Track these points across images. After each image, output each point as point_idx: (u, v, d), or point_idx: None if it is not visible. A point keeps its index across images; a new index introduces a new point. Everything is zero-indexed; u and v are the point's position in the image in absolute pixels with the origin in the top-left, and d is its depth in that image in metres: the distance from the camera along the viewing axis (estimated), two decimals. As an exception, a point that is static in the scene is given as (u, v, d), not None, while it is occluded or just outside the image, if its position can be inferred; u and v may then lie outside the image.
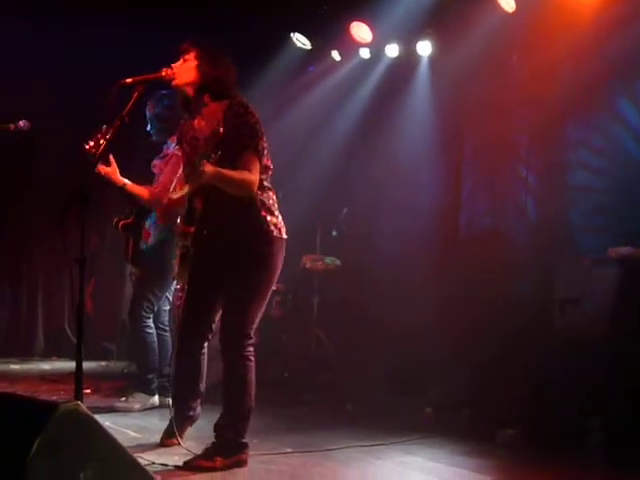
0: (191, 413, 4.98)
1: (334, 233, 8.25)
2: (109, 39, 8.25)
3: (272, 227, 4.65)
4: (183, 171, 5.04)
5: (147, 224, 6.15)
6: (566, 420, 5.57)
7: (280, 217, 4.75)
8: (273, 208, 4.71)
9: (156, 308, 6.27)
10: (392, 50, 8.61)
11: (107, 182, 5.90)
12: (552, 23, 6.88)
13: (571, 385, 5.64)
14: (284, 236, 4.73)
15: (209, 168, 4.29)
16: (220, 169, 4.36)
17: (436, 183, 8.22)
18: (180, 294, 4.99)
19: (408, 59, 8.59)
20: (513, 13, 7.25)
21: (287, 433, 5.63)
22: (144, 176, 6.23)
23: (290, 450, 5.03)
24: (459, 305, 7.39)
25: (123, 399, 6.18)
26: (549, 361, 5.97)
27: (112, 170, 5.86)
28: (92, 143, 5.56)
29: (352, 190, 8.71)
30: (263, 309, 4.72)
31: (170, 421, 4.91)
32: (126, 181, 5.95)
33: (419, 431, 5.78)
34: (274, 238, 4.66)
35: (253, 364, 4.63)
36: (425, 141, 8.25)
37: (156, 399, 6.27)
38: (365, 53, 8.84)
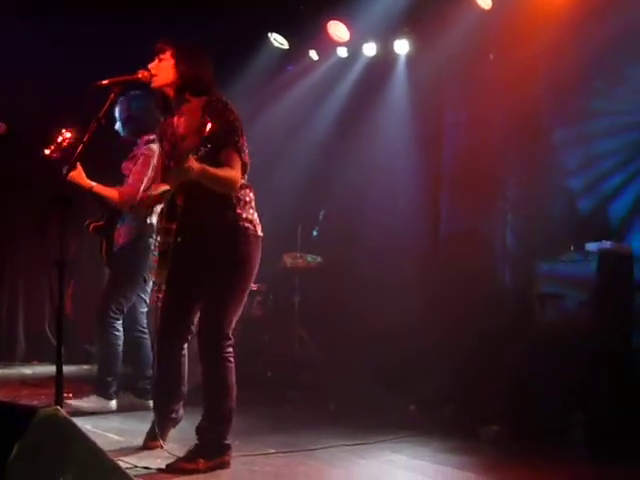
0: (173, 415, 4.96)
1: (315, 233, 8.25)
2: (84, 39, 8.20)
3: (247, 224, 4.62)
4: (161, 169, 5.00)
5: (117, 225, 6.12)
6: (549, 416, 5.59)
7: (256, 215, 4.72)
8: (249, 205, 4.68)
9: (125, 310, 6.19)
10: (370, 49, 8.62)
11: (74, 185, 5.85)
12: (529, 20, 6.90)
13: (553, 381, 5.66)
14: (260, 233, 4.70)
15: (195, 165, 4.25)
16: (205, 166, 4.34)
17: (415, 181, 8.22)
18: (158, 295, 4.95)
19: (386, 58, 8.60)
20: (490, 10, 7.28)
21: (270, 433, 5.62)
22: (115, 178, 6.20)
23: (273, 451, 5.01)
24: (441, 302, 7.41)
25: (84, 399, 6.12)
26: (531, 357, 5.98)
27: (77, 173, 5.78)
28: (52, 147, 5.58)
29: (332, 188, 8.70)
30: (241, 308, 4.69)
31: (152, 424, 4.89)
32: (93, 184, 5.89)
33: (403, 429, 5.80)
34: (249, 235, 4.63)
35: (233, 365, 4.60)
36: (404, 139, 8.26)
37: (113, 403, 6.18)
38: (343, 52, 8.85)
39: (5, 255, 9.35)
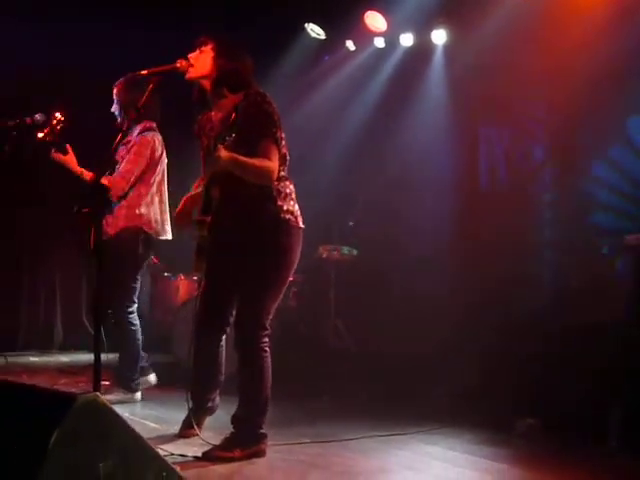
0: (209, 404, 4.99)
1: (351, 223, 8.24)
2: (124, 36, 8.23)
3: (288, 216, 4.62)
4: (202, 165, 4.98)
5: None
6: (584, 408, 5.56)
7: (297, 206, 4.72)
8: (289, 197, 4.67)
9: (135, 298, 6.21)
10: (407, 39, 8.60)
11: (63, 170, 5.86)
12: (567, 10, 6.85)
13: (588, 372, 5.63)
14: (301, 225, 4.71)
15: (224, 153, 4.25)
16: (236, 155, 4.35)
17: (452, 173, 8.19)
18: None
19: (423, 48, 8.57)
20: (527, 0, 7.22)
21: (306, 423, 5.64)
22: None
23: (308, 440, 5.04)
24: (475, 293, 7.38)
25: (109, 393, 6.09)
26: (566, 347, 5.95)
27: (69, 158, 5.80)
28: (46, 130, 5.61)
29: (369, 179, 8.69)
30: (279, 298, 4.69)
31: (188, 412, 4.93)
32: (83, 170, 5.86)
33: (438, 420, 5.78)
34: (291, 227, 4.63)
35: (269, 355, 4.61)
36: (440, 130, 8.23)
37: (138, 395, 6.22)
38: (380, 42, 8.83)
39: (42, 244, 9.41)
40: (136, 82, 5.54)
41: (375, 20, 8.50)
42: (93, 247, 5.99)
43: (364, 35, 8.76)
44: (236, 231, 4.64)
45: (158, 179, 6.20)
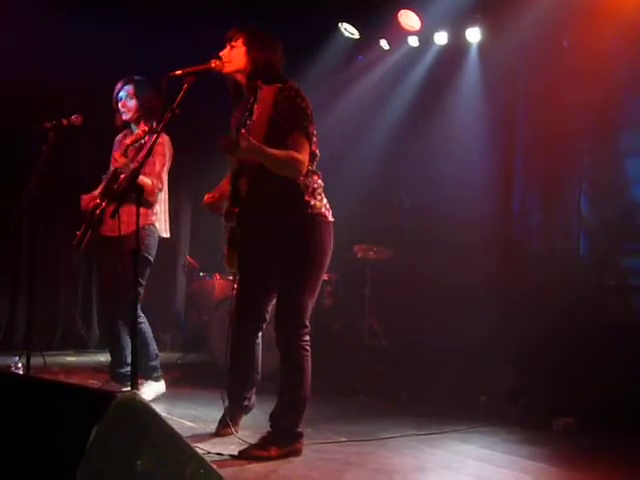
0: (245, 403, 5.01)
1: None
2: (157, 34, 8.28)
3: (317, 210, 4.62)
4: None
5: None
6: (625, 408, 5.52)
7: (325, 200, 4.70)
8: (317, 192, 4.66)
9: (141, 295, 6.17)
10: (441, 38, 8.55)
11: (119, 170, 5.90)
12: (603, 5, 6.78)
13: (629, 371, 5.59)
14: (330, 219, 4.69)
15: (244, 143, 4.24)
16: (259, 144, 4.34)
17: (489, 170, 8.15)
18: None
19: (457, 46, 8.52)
20: (563, -4, 7.17)
21: (341, 422, 5.64)
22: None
23: (345, 439, 5.05)
24: (513, 292, 7.35)
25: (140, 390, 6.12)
26: (607, 347, 5.91)
27: (128, 161, 5.82)
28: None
29: (404, 178, 8.67)
30: (316, 294, 4.69)
31: (225, 411, 4.95)
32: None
33: (474, 419, 5.77)
34: (320, 222, 4.63)
35: (309, 353, 4.62)
36: (476, 129, 8.18)
37: (163, 385, 6.23)
38: (414, 41, 8.78)
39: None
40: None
41: (409, 19, 8.47)
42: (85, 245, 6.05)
43: (398, 34, 8.72)
44: (265, 227, 4.65)
45: (166, 179, 6.23)
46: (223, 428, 4.96)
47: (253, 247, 4.69)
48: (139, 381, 6.16)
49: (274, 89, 4.62)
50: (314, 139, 4.63)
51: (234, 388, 4.97)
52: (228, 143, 4.31)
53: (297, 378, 4.60)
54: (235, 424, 4.90)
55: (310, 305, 4.63)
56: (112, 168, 6.00)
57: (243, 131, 4.28)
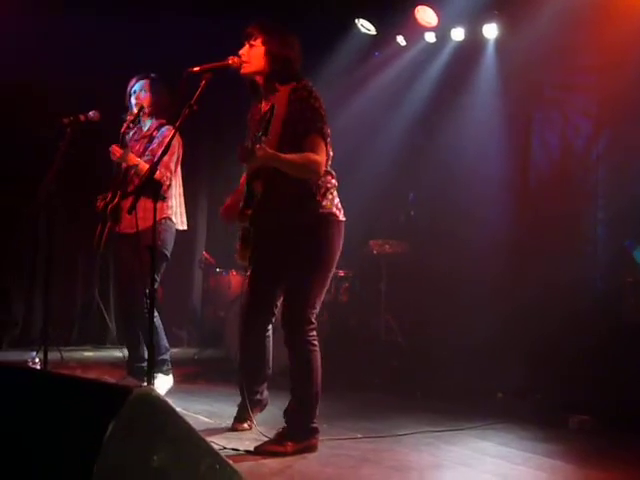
0: (258, 397, 5.01)
1: (402, 218, 8.22)
2: (172, 30, 8.30)
3: (328, 211, 4.62)
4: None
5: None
6: (637, 403, 5.50)
7: (337, 200, 4.70)
8: (329, 192, 4.66)
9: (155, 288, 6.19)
10: (458, 34, 8.54)
11: (118, 163, 5.95)
12: (619, 1, 6.75)
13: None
14: (341, 218, 4.69)
15: (261, 152, 4.28)
16: (276, 152, 4.37)
17: (504, 167, 8.13)
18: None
19: (474, 42, 8.51)
20: (580, -8, 7.14)
21: (357, 418, 5.65)
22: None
23: (360, 435, 5.05)
24: (530, 288, 7.32)
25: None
26: (624, 344, 5.89)
27: (127, 151, 5.89)
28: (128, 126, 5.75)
29: (420, 174, 8.66)
30: (324, 293, 4.71)
31: (239, 406, 4.97)
32: (139, 160, 5.93)
33: (491, 416, 5.76)
34: (331, 222, 4.64)
35: (317, 349, 4.63)
36: (493, 125, 8.17)
37: (171, 378, 6.23)
38: (430, 37, 8.78)
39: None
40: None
41: (426, 15, 8.46)
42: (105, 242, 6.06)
43: (415, 30, 8.72)
44: (277, 227, 4.67)
45: (179, 172, 6.24)
46: (238, 423, 5.00)
47: (265, 245, 4.70)
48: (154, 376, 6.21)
49: (287, 89, 4.63)
50: (328, 139, 4.63)
51: (246, 382, 4.97)
52: (245, 152, 4.37)
53: (306, 373, 4.62)
54: (249, 419, 4.91)
55: (317, 302, 4.64)
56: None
57: (258, 145, 4.31)
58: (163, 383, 6.12)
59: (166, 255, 6.13)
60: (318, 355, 4.64)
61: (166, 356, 6.21)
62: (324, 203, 4.62)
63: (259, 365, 5.00)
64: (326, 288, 4.74)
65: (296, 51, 4.74)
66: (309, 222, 4.61)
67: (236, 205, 4.88)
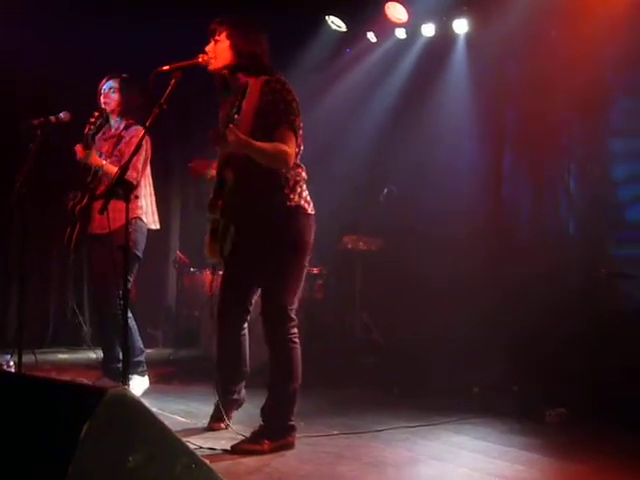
0: (235, 396, 5.00)
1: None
2: (139, 28, 8.25)
3: (295, 204, 4.61)
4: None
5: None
6: (616, 398, 5.53)
7: (306, 193, 4.69)
8: (298, 185, 4.66)
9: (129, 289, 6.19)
10: (428, 29, 8.57)
11: (83, 163, 5.91)
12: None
13: (621, 362, 5.60)
14: (310, 212, 4.69)
15: (232, 136, 4.30)
16: (246, 138, 4.37)
17: (477, 161, 8.16)
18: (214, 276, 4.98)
19: (444, 38, 8.54)
20: (550, -14, 7.17)
21: (334, 415, 5.64)
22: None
23: (337, 432, 5.05)
24: (506, 281, 7.35)
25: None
26: (600, 337, 5.92)
27: (90, 152, 5.86)
28: (90, 127, 5.71)
29: (393, 169, 8.66)
30: (300, 287, 4.71)
31: (216, 405, 4.96)
32: (104, 162, 5.91)
33: (467, 411, 5.77)
34: (299, 214, 4.63)
35: (298, 346, 4.63)
36: (465, 120, 8.20)
37: (147, 379, 6.22)
38: (401, 33, 8.79)
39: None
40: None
41: (396, 11, 8.47)
42: (75, 243, 6.01)
43: (385, 26, 8.73)
44: (246, 219, 4.65)
45: (149, 171, 6.23)
46: (215, 422, 4.98)
47: (236, 239, 4.68)
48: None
49: (260, 81, 4.64)
50: (300, 132, 4.64)
51: (223, 381, 4.96)
52: (216, 136, 4.38)
53: (286, 371, 4.62)
54: (227, 418, 4.90)
55: (294, 298, 4.64)
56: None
57: (231, 125, 4.32)
58: (139, 384, 6.10)
59: (138, 256, 6.10)
60: (299, 352, 4.64)
61: (141, 357, 6.19)
62: (292, 196, 4.62)
63: (236, 363, 4.98)
64: (302, 282, 4.74)
65: (263, 45, 4.75)
66: (277, 215, 4.60)
67: (206, 165, 4.91)
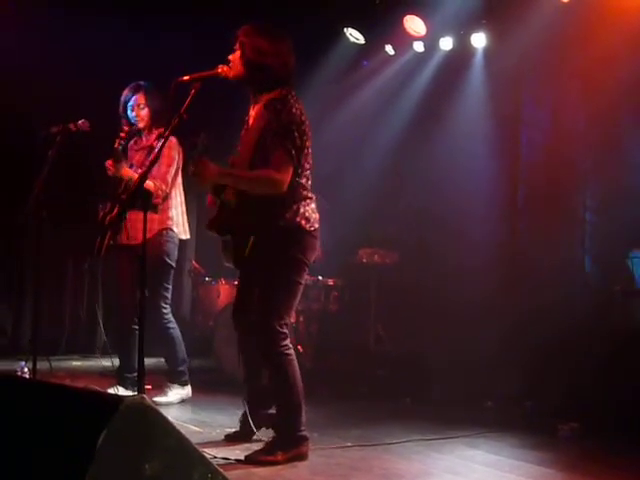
0: (269, 411, 4.98)
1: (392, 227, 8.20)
2: (169, 37, 8.27)
3: (290, 222, 4.60)
4: None
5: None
6: (627, 411, 5.52)
7: (303, 209, 4.64)
8: (296, 204, 4.62)
9: (169, 300, 6.26)
10: (446, 43, 8.56)
11: (114, 176, 5.95)
12: (608, 12, 6.79)
13: (634, 376, 5.58)
14: (309, 228, 4.65)
15: (209, 172, 4.36)
16: (228, 170, 4.45)
17: (493, 177, 8.13)
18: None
19: (462, 52, 8.53)
20: (568, 3, 7.17)
21: (347, 427, 5.64)
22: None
23: (350, 444, 5.04)
24: (520, 296, 7.34)
25: (163, 395, 6.21)
26: (613, 353, 5.91)
27: (122, 165, 5.91)
28: (120, 142, 5.77)
29: (409, 183, 8.66)
30: (294, 301, 4.71)
31: (241, 420, 5.00)
32: (134, 173, 5.94)
33: (480, 424, 5.77)
34: (293, 232, 4.62)
35: (293, 357, 4.63)
36: (481, 134, 8.18)
37: (189, 390, 6.31)
38: (419, 47, 8.79)
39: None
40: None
41: (414, 24, 8.48)
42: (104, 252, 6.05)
43: (403, 39, 8.73)
44: (248, 237, 4.62)
45: (180, 181, 6.27)
46: (240, 437, 4.99)
47: (240, 254, 4.69)
48: (167, 384, 6.28)
49: (264, 100, 4.64)
50: (305, 151, 4.60)
51: (248, 389, 5.00)
52: (192, 174, 4.42)
53: (285, 383, 4.62)
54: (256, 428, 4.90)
55: (286, 313, 4.63)
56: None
57: (204, 160, 4.36)
58: (179, 394, 6.24)
59: (171, 265, 6.18)
60: (294, 363, 4.64)
61: (183, 367, 6.31)
62: (288, 215, 4.60)
63: (256, 375, 4.99)
64: (296, 298, 4.72)
65: (281, 56, 4.67)
66: (272, 234, 4.60)
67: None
